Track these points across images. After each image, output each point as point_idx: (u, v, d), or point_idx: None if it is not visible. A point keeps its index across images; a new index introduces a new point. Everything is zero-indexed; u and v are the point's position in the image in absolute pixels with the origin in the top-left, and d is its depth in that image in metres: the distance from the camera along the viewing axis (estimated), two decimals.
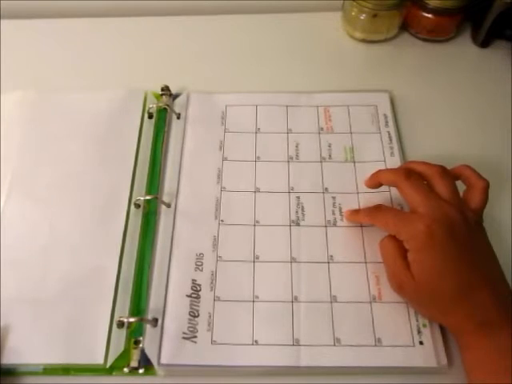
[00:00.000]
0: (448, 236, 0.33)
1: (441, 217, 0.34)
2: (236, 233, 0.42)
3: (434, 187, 0.36)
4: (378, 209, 0.38)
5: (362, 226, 0.42)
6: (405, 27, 0.57)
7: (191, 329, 0.37)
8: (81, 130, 0.48)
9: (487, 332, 0.32)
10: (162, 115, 0.49)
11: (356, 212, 0.41)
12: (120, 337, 0.37)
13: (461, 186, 0.38)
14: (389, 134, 0.47)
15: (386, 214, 0.37)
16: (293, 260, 0.40)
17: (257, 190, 0.44)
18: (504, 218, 0.43)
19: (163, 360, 0.36)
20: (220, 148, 0.46)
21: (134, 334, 0.37)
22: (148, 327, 0.37)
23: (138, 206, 0.43)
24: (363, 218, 0.40)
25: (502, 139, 0.48)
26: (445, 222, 0.34)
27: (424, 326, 0.37)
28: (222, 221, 0.42)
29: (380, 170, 0.40)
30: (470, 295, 0.33)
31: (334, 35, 0.57)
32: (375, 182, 0.40)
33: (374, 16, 0.53)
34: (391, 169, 0.41)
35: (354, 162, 0.45)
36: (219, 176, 0.45)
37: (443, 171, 0.37)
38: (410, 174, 0.37)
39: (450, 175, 0.37)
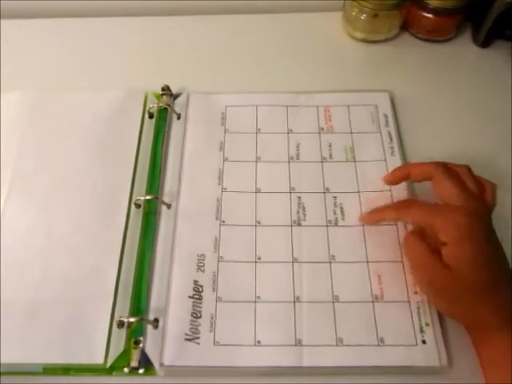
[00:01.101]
0: (483, 229, 0.34)
1: (476, 211, 0.35)
2: (237, 233, 0.41)
3: (461, 177, 0.37)
4: (407, 203, 0.39)
5: (363, 226, 0.42)
6: (405, 27, 0.57)
7: (193, 330, 0.37)
8: (81, 130, 0.48)
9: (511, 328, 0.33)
10: (162, 115, 0.49)
11: (378, 211, 0.40)
12: (120, 337, 0.37)
13: None
14: (389, 133, 0.47)
15: (418, 207, 0.37)
16: (294, 260, 0.40)
17: (258, 191, 0.44)
18: (504, 218, 0.43)
19: (166, 361, 0.36)
20: (220, 148, 0.46)
21: (134, 334, 0.37)
22: (149, 328, 0.37)
23: (138, 205, 0.43)
24: (390, 214, 0.39)
25: (501, 139, 0.48)
26: (480, 216, 0.34)
27: (427, 324, 0.37)
28: (223, 221, 0.42)
29: (410, 164, 0.40)
30: (499, 290, 0.34)
31: (334, 35, 0.57)
32: (401, 176, 0.40)
33: (375, 16, 0.53)
34: (424, 162, 0.39)
35: (355, 162, 0.45)
36: (220, 177, 0.44)
37: (470, 170, 0.38)
38: (447, 166, 0.37)
39: (473, 174, 0.38)
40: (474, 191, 0.36)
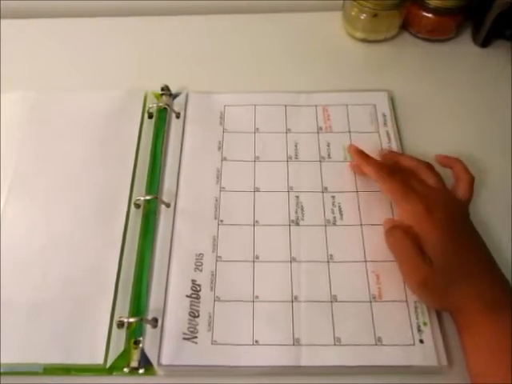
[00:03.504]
0: (446, 215, 0.36)
1: (435, 199, 0.38)
2: (235, 233, 0.42)
3: (421, 176, 0.40)
4: (387, 169, 0.40)
5: (361, 225, 0.42)
6: (405, 27, 0.57)
7: (191, 329, 0.37)
8: (81, 130, 0.48)
9: (495, 312, 0.33)
10: (161, 115, 0.49)
11: (364, 160, 0.42)
12: (120, 337, 0.37)
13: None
14: (387, 133, 0.47)
15: (396, 183, 0.39)
16: (293, 260, 0.40)
17: (256, 190, 0.44)
18: (502, 217, 0.43)
19: (164, 361, 0.36)
20: (219, 148, 0.46)
21: (134, 334, 0.37)
22: (148, 327, 0.37)
23: (137, 205, 0.43)
24: (370, 172, 0.41)
25: (501, 139, 0.48)
26: (439, 203, 0.37)
27: (424, 324, 0.37)
28: (222, 221, 0.42)
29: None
30: (480, 274, 0.35)
31: (334, 35, 0.57)
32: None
33: (375, 16, 0.53)
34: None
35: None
36: (218, 176, 0.45)
37: (429, 165, 0.41)
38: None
39: (434, 169, 0.41)
40: (431, 182, 0.39)
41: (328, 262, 0.40)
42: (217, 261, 0.40)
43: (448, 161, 0.42)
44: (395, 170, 0.41)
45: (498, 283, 0.35)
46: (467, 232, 0.37)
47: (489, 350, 0.33)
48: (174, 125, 0.48)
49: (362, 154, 0.43)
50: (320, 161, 0.45)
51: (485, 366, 0.33)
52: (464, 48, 0.55)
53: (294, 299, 0.38)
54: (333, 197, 0.43)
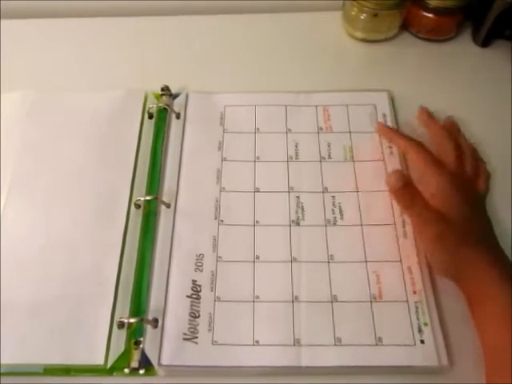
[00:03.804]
0: (464, 193, 0.39)
1: (460, 180, 0.40)
2: (236, 233, 0.41)
3: (464, 156, 0.43)
4: (415, 141, 0.43)
5: (361, 225, 0.42)
6: (405, 27, 0.56)
7: (192, 329, 0.37)
8: (81, 131, 0.48)
9: (507, 281, 0.34)
10: (162, 115, 0.49)
11: (393, 132, 0.46)
12: (120, 337, 0.37)
13: None
14: None
15: (425, 150, 0.42)
16: (293, 260, 0.40)
17: (256, 190, 0.44)
18: (505, 220, 0.43)
19: (164, 361, 0.36)
20: (219, 148, 0.46)
21: (135, 335, 0.37)
22: (148, 328, 0.37)
23: (138, 206, 0.43)
24: (398, 138, 0.45)
25: (501, 138, 0.48)
26: (460, 185, 0.39)
27: (425, 324, 0.37)
28: (222, 221, 0.42)
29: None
30: (492, 245, 0.37)
31: (334, 35, 0.57)
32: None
33: (375, 15, 0.53)
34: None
35: (354, 162, 0.45)
36: (218, 176, 0.45)
37: (476, 153, 0.45)
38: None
39: (478, 158, 0.45)
40: (469, 171, 0.42)
41: (328, 262, 0.40)
42: (217, 261, 0.40)
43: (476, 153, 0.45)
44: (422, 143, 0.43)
45: (505, 257, 0.37)
46: (483, 215, 0.40)
47: (502, 321, 0.33)
48: (174, 125, 0.48)
49: (391, 129, 0.47)
50: (320, 161, 0.45)
51: (498, 336, 0.33)
52: (464, 48, 0.55)
53: (295, 299, 0.38)
54: (333, 197, 0.43)
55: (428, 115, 0.47)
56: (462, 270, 0.36)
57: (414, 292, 0.38)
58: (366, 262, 0.40)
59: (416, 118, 0.48)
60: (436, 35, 0.55)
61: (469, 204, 0.38)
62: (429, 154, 0.41)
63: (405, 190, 0.38)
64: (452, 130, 0.46)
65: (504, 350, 0.32)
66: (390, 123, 0.48)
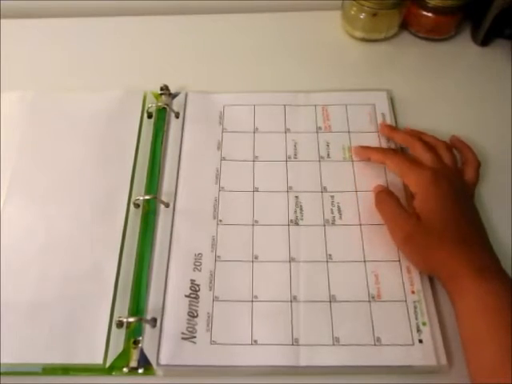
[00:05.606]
0: (450, 186, 0.39)
1: (444, 172, 0.40)
2: (234, 233, 0.42)
3: (439, 151, 0.42)
4: (391, 150, 0.45)
5: (360, 225, 0.42)
6: (405, 26, 0.56)
7: (190, 329, 0.37)
8: (80, 130, 0.48)
9: (483, 277, 0.34)
10: (161, 115, 0.49)
11: (367, 148, 0.45)
12: (119, 337, 0.37)
13: None
14: None
15: (401, 158, 0.42)
16: (292, 259, 0.40)
17: (255, 190, 0.44)
18: (503, 218, 0.43)
19: (162, 360, 0.36)
20: (218, 148, 0.46)
21: (134, 334, 0.38)
22: (147, 327, 0.38)
23: (137, 205, 0.43)
24: (375, 154, 0.44)
25: (501, 138, 0.48)
26: (447, 177, 0.39)
27: (424, 324, 0.37)
28: (221, 221, 0.42)
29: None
30: (470, 241, 0.36)
31: (333, 34, 0.57)
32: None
33: (374, 15, 0.53)
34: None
35: (353, 161, 0.45)
36: (217, 176, 0.45)
37: (448, 145, 0.44)
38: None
39: (452, 150, 0.44)
40: (446, 159, 0.42)
41: (327, 261, 0.40)
42: (216, 261, 0.40)
43: (460, 144, 0.45)
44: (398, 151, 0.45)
45: (487, 252, 0.36)
46: (467, 206, 0.39)
47: (476, 314, 0.34)
48: (174, 124, 0.48)
49: (365, 147, 0.46)
50: (319, 160, 0.45)
51: (472, 329, 0.34)
52: (463, 47, 0.55)
53: (293, 299, 0.38)
54: (332, 196, 0.43)
55: (389, 128, 0.47)
56: (437, 269, 0.37)
57: (413, 292, 0.38)
58: (364, 261, 0.40)
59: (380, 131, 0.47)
60: (435, 34, 0.55)
61: (451, 199, 0.38)
62: (405, 158, 0.42)
63: (383, 189, 0.42)
64: (414, 133, 0.45)
65: (479, 345, 0.33)
66: (389, 123, 0.48)
